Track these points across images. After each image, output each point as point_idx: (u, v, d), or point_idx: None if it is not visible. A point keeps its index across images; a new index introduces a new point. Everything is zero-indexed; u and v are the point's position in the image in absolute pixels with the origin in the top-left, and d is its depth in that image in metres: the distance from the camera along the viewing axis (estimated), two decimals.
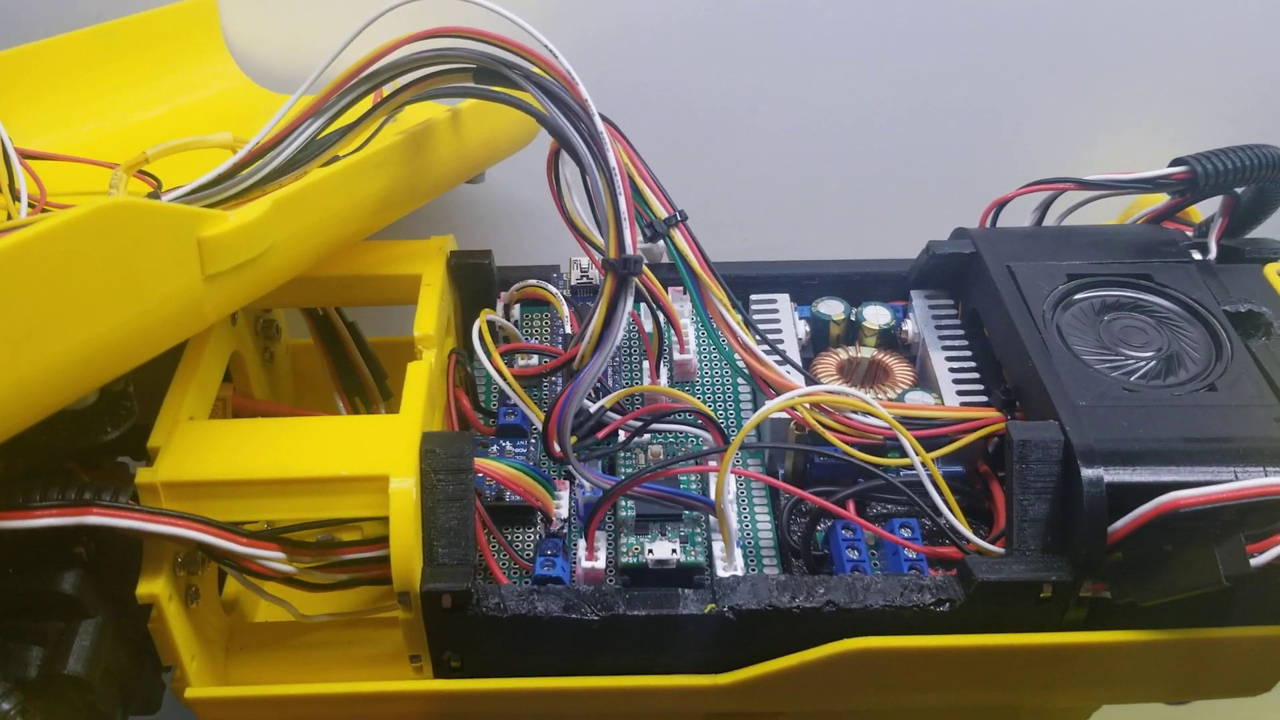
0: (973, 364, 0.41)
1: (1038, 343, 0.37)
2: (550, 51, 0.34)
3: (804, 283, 0.45)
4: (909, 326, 0.43)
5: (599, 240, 0.40)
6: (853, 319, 0.43)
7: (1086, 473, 0.33)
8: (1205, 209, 0.44)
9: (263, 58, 0.55)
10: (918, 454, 0.35)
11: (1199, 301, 0.39)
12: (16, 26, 0.50)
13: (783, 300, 0.44)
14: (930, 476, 0.35)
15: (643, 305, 0.43)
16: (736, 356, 0.38)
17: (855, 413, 0.37)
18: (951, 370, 0.41)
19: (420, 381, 0.36)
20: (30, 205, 0.39)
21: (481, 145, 0.44)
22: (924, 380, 0.42)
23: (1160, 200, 0.44)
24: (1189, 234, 0.44)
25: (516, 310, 0.45)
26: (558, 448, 0.36)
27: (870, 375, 0.43)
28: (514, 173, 0.50)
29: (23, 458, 0.35)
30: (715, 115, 0.57)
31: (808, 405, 0.37)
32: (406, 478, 0.33)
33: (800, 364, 0.41)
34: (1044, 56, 0.55)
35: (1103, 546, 0.33)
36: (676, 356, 0.43)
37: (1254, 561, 0.31)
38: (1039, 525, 0.34)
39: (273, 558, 0.34)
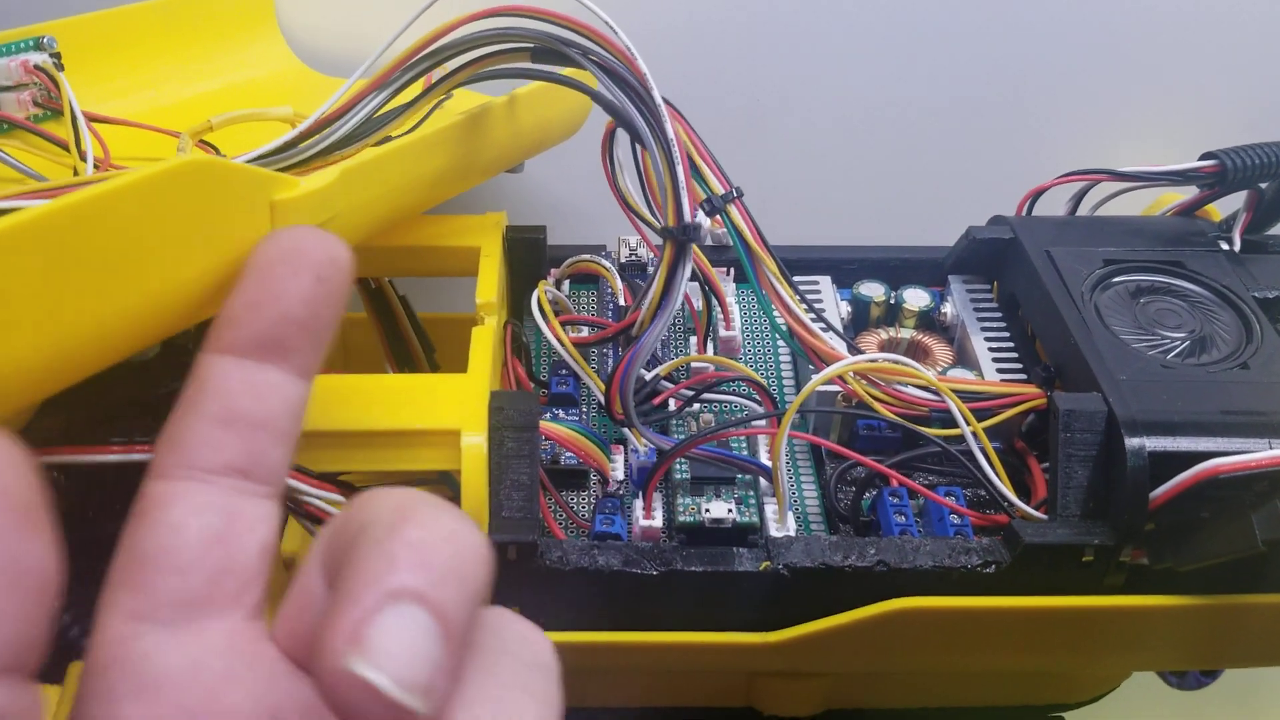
0: (1010, 344, 0.43)
1: (1078, 321, 0.39)
2: (610, 27, 0.35)
3: (844, 266, 0.47)
4: (947, 309, 0.45)
5: (650, 218, 0.41)
6: (892, 301, 0.45)
7: (1130, 441, 0.34)
8: (1225, 209, 0.46)
9: (314, 41, 0.56)
10: (968, 422, 0.36)
11: (1229, 288, 0.41)
12: None
13: (824, 282, 0.46)
14: (980, 444, 0.36)
15: (693, 284, 0.44)
16: (782, 323, 0.40)
17: (902, 384, 0.39)
18: (990, 349, 0.42)
19: (485, 344, 0.38)
20: (95, 166, 0.40)
21: (533, 131, 0.46)
22: (963, 360, 0.43)
23: (1189, 193, 0.46)
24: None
25: (566, 286, 0.47)
26: (620, 410, 0.37)
27: (910, 355, 0.44)
28: (552, 165, 0.52)
29: (81, 409, 0.36)
30: (757, 109, 0.59)
31: (855, 375, 0.38)
32: (477, 433, 0.34)
33: (849, 339, 0.42)
34: (1077, 54, 0.57)
35: (1144, 512, 0.34)
36: (722, 333, 0.44)
37: None
38: (1082, 492, 0.35)
39: (337, 500, 0.34)
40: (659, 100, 0.35)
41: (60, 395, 0.31)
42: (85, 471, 0.33)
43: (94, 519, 0.34)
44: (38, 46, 0.42)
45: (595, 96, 0.36)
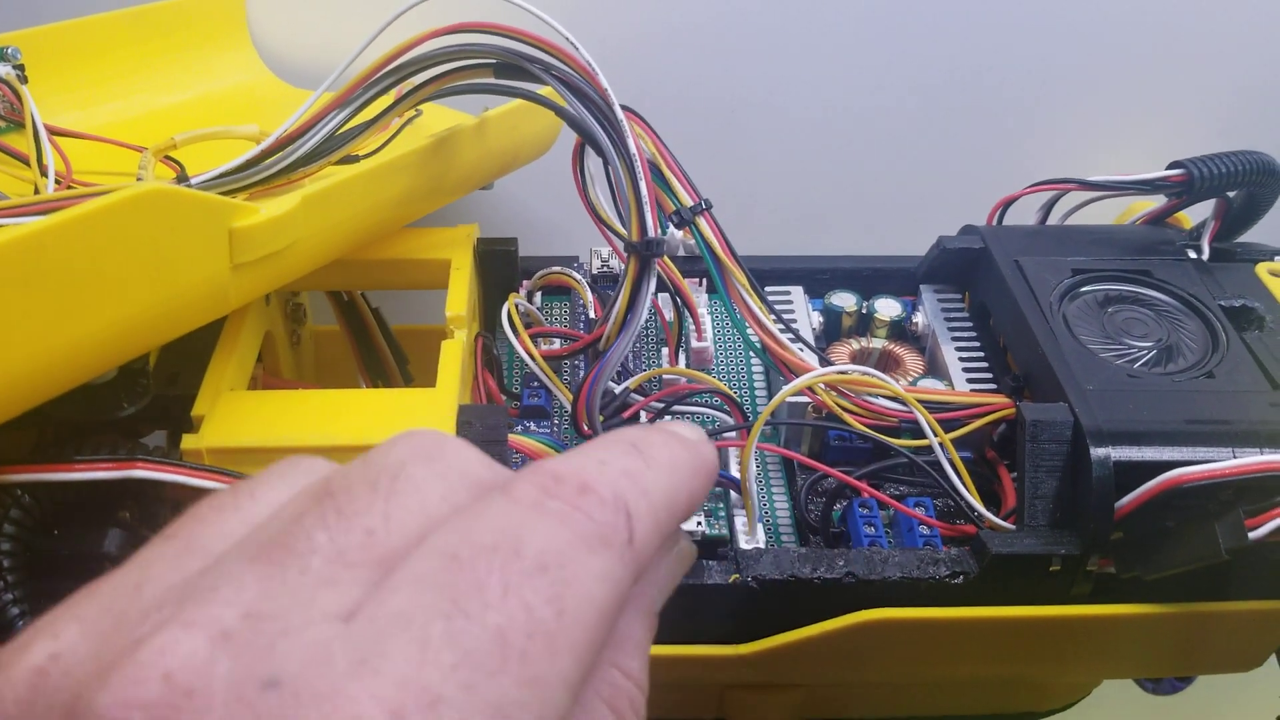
0: (981, 353, 0.43)
1: (1046, 331, 0.39)
2: (571, 43, 0.36)
3: (817, 276, 0.47)
4: (919, 318, 0.45)
5: (621, 229, 0.41)
6: (864, 311, 0.45)
7: (1095, 451, 0.34)
8: (1196, 216, 0.47)
9: (285, 52, 0.56)
10: (936, 434, 0.36)
11: (1196, 296, 0.41)
12: (52, 3, 0.51)
13: (796, 292, 0.46)
14: (947, 455, 0.36)
15: (664, 295, 0.44)
16: (755, 339, 0.40)
17: (871, 395, 0.39)
18: (961, 359, 0.42)
19: (454, 358, 0.38)
20: (56, 181, 0.40)
21: (501, 153, 0.46)
22: (934, 369, 0.43)
23: (1158, 201, 0.46)
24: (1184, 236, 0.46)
25: (538, 298, 0.47)
26: (587, 426, 0.37)
27: (882, 365, 0.44)
28: (526, 180, 0.52)
29: (49, 429, 0.36)
30: (729, 119, 0.59)
31: (825, 387, 0.38)
32: None
33: (819, 351, 0.42)
34: (1049, 64, 0.58)
35: (1110, 521, 0.34)
36: (694, 344, 0.44)
37: (1252, 535, 0.32)
38: (1049, 502, 0.35)
39: None
40: (620, 115, 0.35)
41: (27, 417, 0.31)
42: (49, 489, 0.33)
43: (58, 536, 0.34)
44: (1, 58, 0.42)
45: (559, 111, 0.36)
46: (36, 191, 0.39)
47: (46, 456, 0.33)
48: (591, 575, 0.17)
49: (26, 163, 0.39)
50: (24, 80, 0.42)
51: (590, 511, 0.18)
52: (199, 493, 0.33)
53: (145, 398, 0.36)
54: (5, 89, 0.41)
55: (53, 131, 0.41)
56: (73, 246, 0.27)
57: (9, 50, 0.43)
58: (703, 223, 0.39)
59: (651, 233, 0.35)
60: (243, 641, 0.15)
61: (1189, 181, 0.43)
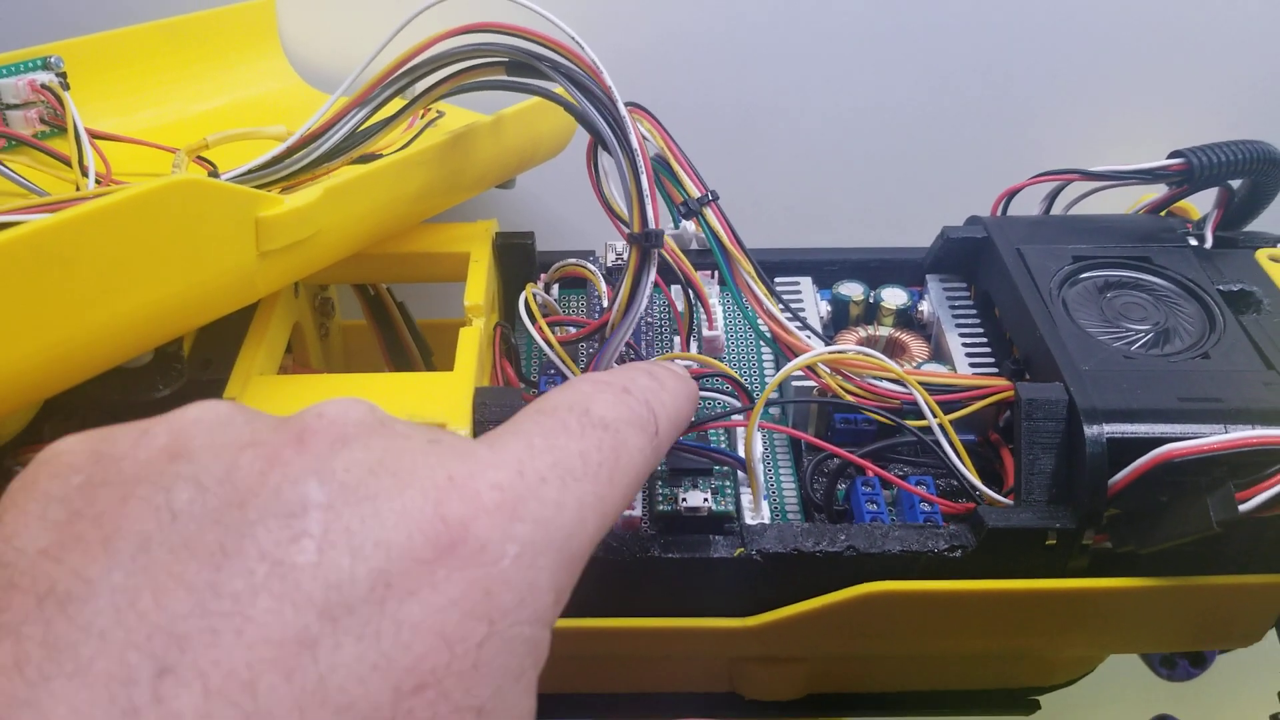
0: (984, 340, 0.44)
1: (1045, 315, 0.40)
2: (576, 43, 0.37)
3: (825, 268, 0.48)
4: (924, 307, 0.46)
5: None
6: (871, 300, 0.46)
7: (1089, 429, 0.35)
8: (1204, 207, 0.47)
9: (315, 58, 0.58)
10: (934, 413, 0.38)
11: (1194, 281, 0.42)
12: (94, 14, 0.53)
13: (805, 282, 0.47)
14: (946, 433, 0.38)
15: (676, 286, 0.46)
16: (762, 324, 0.41)
17: (874, 378, 0.40)
18: (965, 345, 0.44)
19: (471, 344, 0.39)
20: (97, 181, 0.42)
21: (519, 150, 0.48)
22: (939, 356, 0.44)
23: (1160, 191, 0.47)
24: (1188, 227, 0.47)
25: (555, 291, 0.48)
26: None
27: (888, 351, 0.45)
28: (544, 179, 0.54)
29: (79, 414, 0.38)
30: (739, 117, 0.60)
31: (828, 370, 0.40)
32: (462, 427, 0.36)
33: (821, 334, 0.43)
34: (1052, 56, 0.59)
35: (1103, 496, 0.35)
36: (705, 333, 0.46)
37: (1243, 507, 0.33)
38: (1045, 478, 0.36)
39: None
40: (624, 111, 0.36)
41: (68, 399, 0.33)
42: None
43: None
44: (45, 66, 0.45)
45: (566, 107, 0.37)
46: (78, 189, 0.41)
47: None
48: (635, 446, 0.24)
49: (69, 164, 0.42)
50: (66, 87, 0.44)
51: (632, 405, 0.24)
52: None
53: (180, 381, 0.38)
54: (49, 95, 0.44)
55: (93, 135, 0.43)
56: (111, 232, 0.29)
57: (52, 59, 0.45)
58: (709, 213, 0.41)
59: (652, 225, 0.36)
60: None
61: (1189, 171, 0.44)
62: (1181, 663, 0.56)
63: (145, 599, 0.17)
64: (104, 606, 0.17)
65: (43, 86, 0.44)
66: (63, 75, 0.45)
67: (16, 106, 0.44)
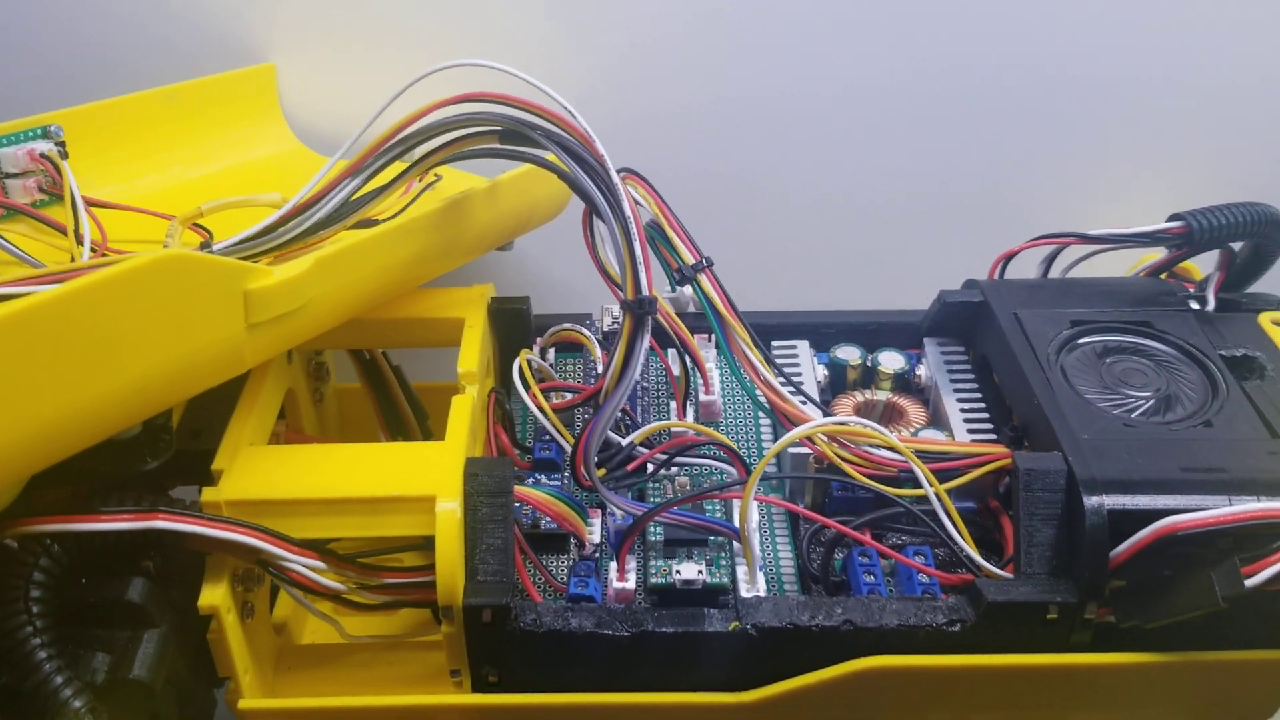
0: (982, 405, 0.43)
1: (1043, 382, 0.40)
2: (569, 112, 0.37)
3: (822, 331, 0.48)
4: (922, 371, 0.45)
5: None
6: (869, 364, 0.46)
7: (1089, 500, 0.35)
8: (1206, 267, 0.47)
9: (315, 123, 0.59)
10: (930, 484, 0.37)
11: (1196, 346, 0.42)
12: (97, 81, 0.54)
13: (802, 346, 0.47)
14: (942, 504, 0.37)
15: (672, 350, 0.46)
16: (759, 393, 0.41)
17: (871, 446, 0.39)
18: (963, 411, 0.43)
19: (464, 412, 0.39)
20: (92, 250, 0.42)
21: (515, 214, 0.47)
22: (937, 421, 0.44)
23: (1160, 254, 0.47)
24: (1190, 289, 0.46)
25: (551, 355, 0.48)
26: (585, 474, 0.38)
27: (886, 416, 0.45)
28: (543, 242, 0.54)
29: (83, 486, 0.38)
30: (735, 181, 0.60)
31: (825, 438, 0.39)
32: (452, 499, 0.35)
33: (819, 402, 0.43)
34: (1054, 120, 0.59)
35: (1105, 570, 0.35)
36: (702, 398, 0.45)
37: (1248, 582, 0.33)
38: (1045, 550, 0.36)
39: (319, 567, 0.36)
40: (616, 179, 0.36)
41: (57, 471, 0.33)
42: (77, 539, 0.34)
43: (85, 584, 0.36)
44: (44, 135, 0.45)
45: (559, 174, 0.37)
46: (72, 259, 0.41)
47: (74, 508, 0.34)
48: None
49: (64, 232, 0.42)
50: (64, 155, 0.44)
51: None
52: (217, 544, 0.35)
53: (168, 452, 0.37)
54: (47, 164, 0.44)
55: (90, 203, 0.44)
56: (97, 308, 0.29)
57: (52, 128, 0.46)
58: (704, 279, 0.40)
59: (645, 292, 0.36)
60: None
61: (1188, 234, 0.44)
62: None
63: None
64: None
65: (42, 156, 0.44)
66: (61, 144, 0.45)
67: (16, 175, 0.44)
